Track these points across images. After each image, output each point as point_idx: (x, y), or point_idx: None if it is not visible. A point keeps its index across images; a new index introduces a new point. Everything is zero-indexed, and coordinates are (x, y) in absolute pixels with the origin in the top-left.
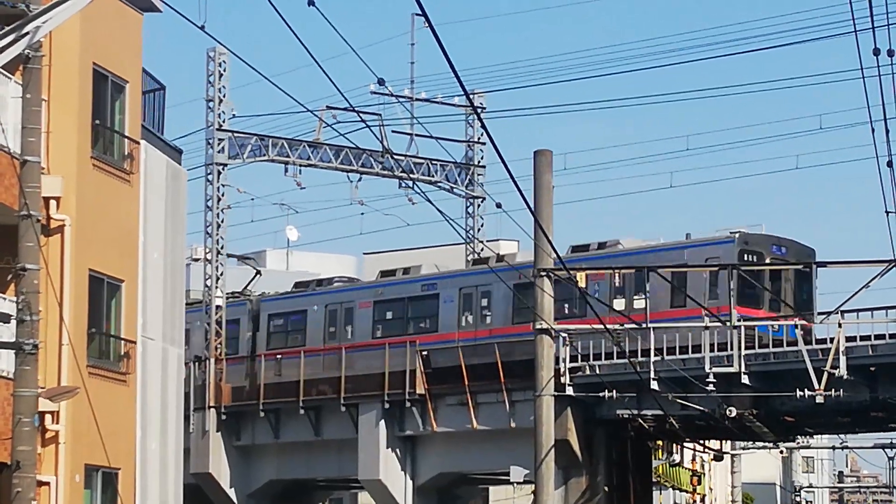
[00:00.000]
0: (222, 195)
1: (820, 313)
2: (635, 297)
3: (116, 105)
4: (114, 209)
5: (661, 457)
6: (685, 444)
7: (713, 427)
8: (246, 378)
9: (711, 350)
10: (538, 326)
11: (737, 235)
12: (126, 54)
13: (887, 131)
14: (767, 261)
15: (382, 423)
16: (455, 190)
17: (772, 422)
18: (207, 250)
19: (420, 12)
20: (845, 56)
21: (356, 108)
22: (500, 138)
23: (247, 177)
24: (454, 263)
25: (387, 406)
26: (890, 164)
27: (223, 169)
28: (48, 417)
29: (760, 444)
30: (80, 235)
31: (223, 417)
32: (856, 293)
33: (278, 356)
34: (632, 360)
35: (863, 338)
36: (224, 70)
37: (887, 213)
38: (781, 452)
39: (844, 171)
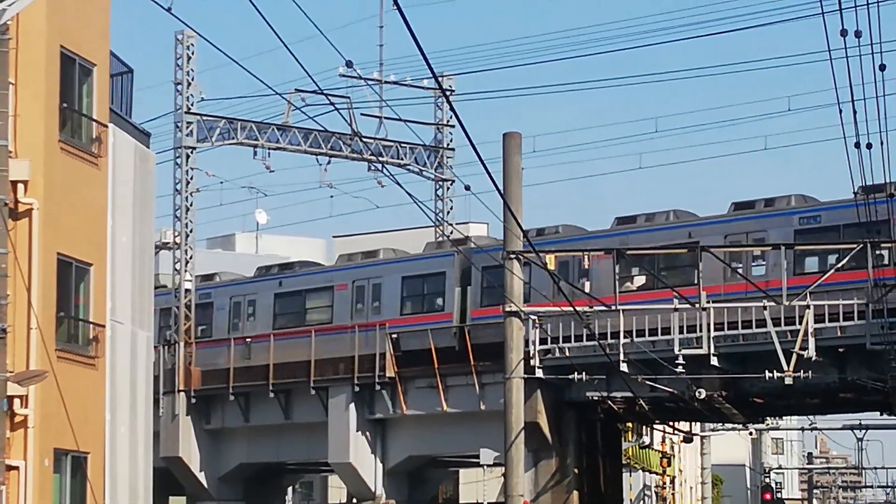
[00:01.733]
0: (191, 178)
1: (789, 294)
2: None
3: (84, 88)
4: (82, 193)
5: (630, 439)
6: (655, 426)
7: (683, 409)
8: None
9: (681, 332)
10: (508, 309)
11: None
12: (94, 37)
13: (855, 112)
14: None
15: (352, 406)
16: (424, 173)
17: (741, 403)
18: (176, 234)
19: None
20: (813, 37)
21: (325, 91)
22: (469, 121)
23: (215, 160)
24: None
25: (357, 389)
26: (857, 144)
27: (192, 152)
28: (17, 401)
29: (730, 425)
30: (48, 219)
31: (193, 401)
32: (825, 275)
33: (248, 339)
34: (601, 342)
35: (831, 319)
36: (192, 53)
37: (855, 193)
38: (751, 434)
39: (813, 152)
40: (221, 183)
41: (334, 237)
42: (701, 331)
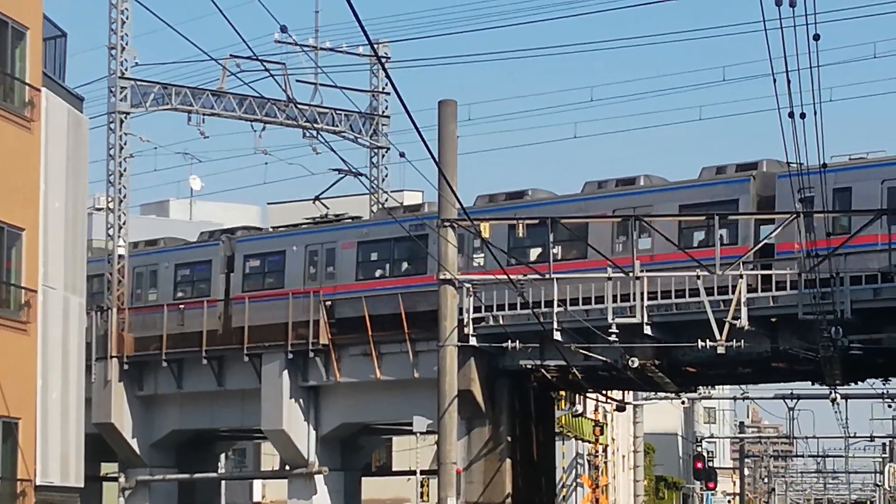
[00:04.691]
0: (125, 144)
1: (722, 264)
2: None
3: (17, 52)
4: (14, 156)
5: (563, 407)
6: (588, 395)
7: (616, 377)
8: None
9: (614, 301)
10: (442, 277)
11: None
12: (26, 0)
13: (789, 82)
14: None
15: (286, 373)
16: (359, 140)
17: (674, 372)
18: (110, 199)
19: None
20: (748, 7)
21: (260, 57)
22: (405, 88)
23: (150, 125)
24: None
25: (290, 356)
26: (791, 115)
27: (125, 117)
28: None
29: (662, 394)
30: None
31: (125, 367)
32: (759, 245)
33: (181, 306)
34: (535, 310)
35: (764, 288)
36: (127, 17)
37: (788, 163)
38: (683, 403)
39: (747, 123)
40: (155, 149)
41: (269, 204)
42: (634, 300)
